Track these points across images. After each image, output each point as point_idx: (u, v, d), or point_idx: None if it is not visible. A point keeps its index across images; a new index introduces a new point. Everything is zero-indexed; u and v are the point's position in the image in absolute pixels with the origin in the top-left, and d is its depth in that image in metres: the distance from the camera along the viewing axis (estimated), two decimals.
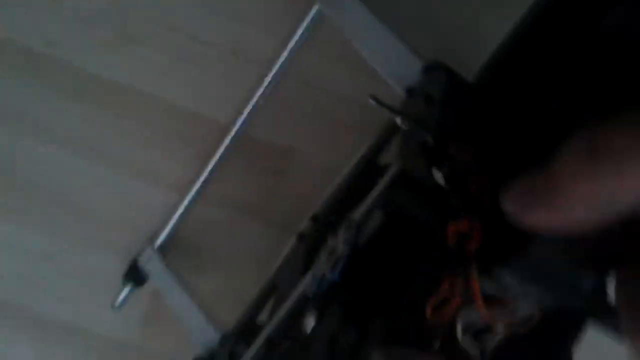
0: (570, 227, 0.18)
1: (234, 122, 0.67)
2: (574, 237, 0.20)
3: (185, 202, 0.71)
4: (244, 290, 0.63)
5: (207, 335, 0.65)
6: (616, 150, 0.16)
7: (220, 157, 0.68)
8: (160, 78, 0.67)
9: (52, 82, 0.67)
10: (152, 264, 0.72)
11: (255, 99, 0.65)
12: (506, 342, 0.31)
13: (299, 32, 0.62)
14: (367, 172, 0.53)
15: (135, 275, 0.74)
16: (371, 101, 0.48)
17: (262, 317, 0.59)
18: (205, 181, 0.70)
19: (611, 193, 0.16)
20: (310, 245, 0.50)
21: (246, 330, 0.59)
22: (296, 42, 0.63)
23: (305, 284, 0.39)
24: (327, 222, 0.50)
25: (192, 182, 0.70)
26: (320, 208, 0.55)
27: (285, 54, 0.63)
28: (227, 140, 0.67)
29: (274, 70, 0.64)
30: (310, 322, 0.37)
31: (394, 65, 0.53)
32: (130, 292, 0.75)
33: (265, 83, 0.64)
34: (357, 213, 0.38)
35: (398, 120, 0.44)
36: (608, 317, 0.25)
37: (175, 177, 0.71)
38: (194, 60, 0.66)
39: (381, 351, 0.31)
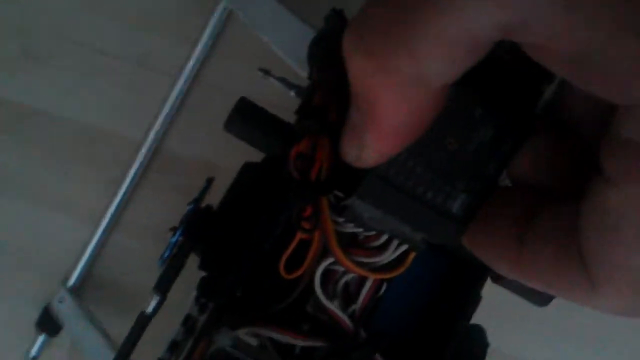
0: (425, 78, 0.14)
1: (146, 138, 0.61)
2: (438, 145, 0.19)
3: (99, 234, 0.64)
4: (168, 327, 0.56)
5: None
6: None
7: (135, 178, 0.63)
8: (69, 98, 0.63)
9: None
10: (64, 307, 0.65)
11: (166, 110, 0.60)
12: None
13: (207, 32, 0.58)
14: None
15: (48, 323, 0.66)
16: (259, 72, 0.45)
17: None
18: (119, 207, 0.64)
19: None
20: None
21: None
22: (204, 44, 0.59)
23: None
24: None
25: (106, 210, 0.64)
26: None
27: (194, 58, 0.59)
28: (139, 159, 0.62)
29: (183, 78, 0.59)
30: (151, 301, 0.31)
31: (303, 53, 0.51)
32: (46, 340, 0.67)
33: (175, 92, 0.60)
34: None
35: (292, 93, 0.42)
36: None
37: (88, 206, 0.65)
38: (101, 75, 0.62)
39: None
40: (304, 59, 0.50)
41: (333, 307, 0.24)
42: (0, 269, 0.66)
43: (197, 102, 0.61)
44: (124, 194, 0.63)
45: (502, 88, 0.20)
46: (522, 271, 0.16)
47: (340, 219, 0.22)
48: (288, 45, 0.54)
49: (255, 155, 0.58)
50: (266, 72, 0.45)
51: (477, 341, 0.27)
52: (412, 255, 0.23)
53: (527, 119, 0.19)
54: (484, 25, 0.12)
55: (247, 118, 0.27)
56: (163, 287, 0.30)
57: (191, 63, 0.59)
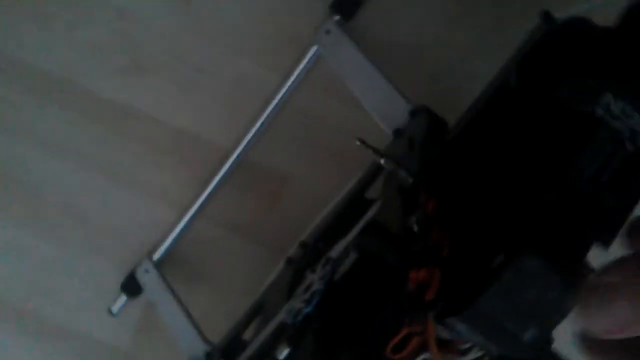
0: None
1: (234, 148, 0.72)
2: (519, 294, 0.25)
3: (185, 220, 0.76)
4: (233, 306, 0.68)
5: (195, 347, 0.68)
6: None
7: (220, 179, 0.73)
8: (169, 105, 0.72)
9: (67, 104, 0.72)
10: (148, 276, 0.77)
11: (255, 127, 0.70)
12: None
13: (297, 70, 0.68)
14: (353, 204, 0.58)
15: (131, 286, 0.78)
16: (357, 142, 0.51)
17: (248, 334, 0.64)
18: (204, 201, 0.75)
19: None
20: (296, 271, 0.54)
21: (232, 345, 0.63)
22: (295, 78, 0.68)
23: (284, 313, 0.42)
24: (314, 249, 0.54)
25: (192, 201, 0.75)
26: (309, 235, 0.60)
27: (284, 88, 0.69)
28: (227, 165, 0.72)
29: (274, 102, 0.69)
30: (283, 350, 0.38)
31: (383, 107, 0.57)
32: (127, 301, 0.79)
33: (265, 113, 0.70)
34: (335, 251, 0.42)
35: (382, 161, 0.46)
36: None
37: (177, 196, 0.76)
38: (200, 90, 0.72)
39: None
40: (383, 113, 0.57)
41: None
42: (94, 240, 0.78)
43: (283, 124, 0.71)
44: (210, 192, 0.74)
45: None
46: None
47: (439, 326, 0.29)
48: (369, 98, 0.60)
49: (327, 176, 0.67)
50: (362, 142, 0.51)
51: None
52: (487, 358, 0.31)
53: None
54: None
55: (375, 238, 0.34)
56: (294, 339, 0.36)
57: (282, 90, 0.69)
